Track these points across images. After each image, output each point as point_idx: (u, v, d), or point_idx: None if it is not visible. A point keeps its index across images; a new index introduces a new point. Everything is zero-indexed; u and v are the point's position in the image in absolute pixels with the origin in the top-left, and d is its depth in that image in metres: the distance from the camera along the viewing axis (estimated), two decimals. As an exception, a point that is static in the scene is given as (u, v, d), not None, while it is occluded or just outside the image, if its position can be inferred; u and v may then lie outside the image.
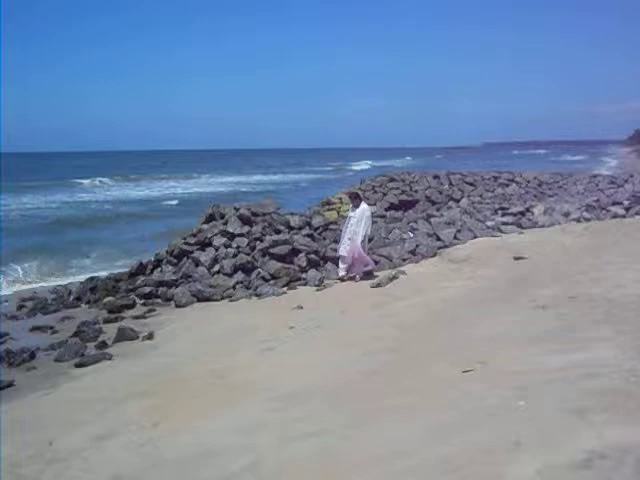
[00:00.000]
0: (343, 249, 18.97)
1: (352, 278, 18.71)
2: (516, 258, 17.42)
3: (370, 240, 20.69)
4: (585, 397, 6.66)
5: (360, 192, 20.26)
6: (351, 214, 19.16)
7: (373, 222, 23.38)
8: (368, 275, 18.70)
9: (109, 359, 13.60)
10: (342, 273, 19.01)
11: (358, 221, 18.76)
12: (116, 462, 7.87)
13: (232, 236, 20.90)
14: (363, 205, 19.18)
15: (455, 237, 22.42)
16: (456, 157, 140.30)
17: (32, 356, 14.67)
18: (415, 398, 7.87)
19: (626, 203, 28.95)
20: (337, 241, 20.91)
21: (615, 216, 26.36)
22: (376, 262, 20.14)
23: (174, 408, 9.30)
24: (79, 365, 13.50)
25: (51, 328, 17.46)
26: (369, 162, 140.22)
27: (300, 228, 21.68)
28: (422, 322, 12.06)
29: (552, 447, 5.73)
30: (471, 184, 36.63)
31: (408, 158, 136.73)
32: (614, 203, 29.19)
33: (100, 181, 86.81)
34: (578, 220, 25.44)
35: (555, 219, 25.72)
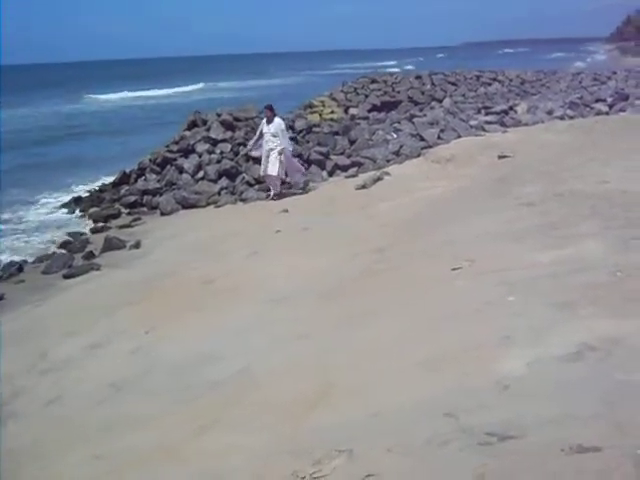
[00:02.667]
0: (265, 168, 18.37)
1: (286, 192, 18.59)
2: (500, 157, 17.38)
3: (298, 156, 20.32)
4: (573, 291, 6.70)
5: (272, 105, 19.07)
6: (265, 130, 18.45)
7: (356, 124, 23.25)
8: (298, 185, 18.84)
9: (97, 269, 13.63)
10: (274, 191, 18.42)
11: (274, 136, 18.15)
12: (111, 370, 7.93)
13: (215, 142, 20.78)
14: (277, 119, 18.55)
15: (439, 137, 22.33)
16: (434, 59, 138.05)
17: (20, 269, 14.70)
18: (404, 297, 7.92)
19: (609, 100, 28.82)
20: (320, 143, 20.82)
21: (599, 113, 26.28)
22: (360, 164, 20.10)
23: (164, 315, 9.33)
24: (68, 276, 13.55)
25: (37, 240, 17.50)
26: (348, 64, 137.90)
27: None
28: (408, 222, 12.08)
29: (542, 341, 5.78)
30: (453, 84, 36.35)
31: (392, 62, 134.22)
32: (597, 100, 29.06)
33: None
34: (562, 118, 25.35)
35: (539, 117, 25.63)
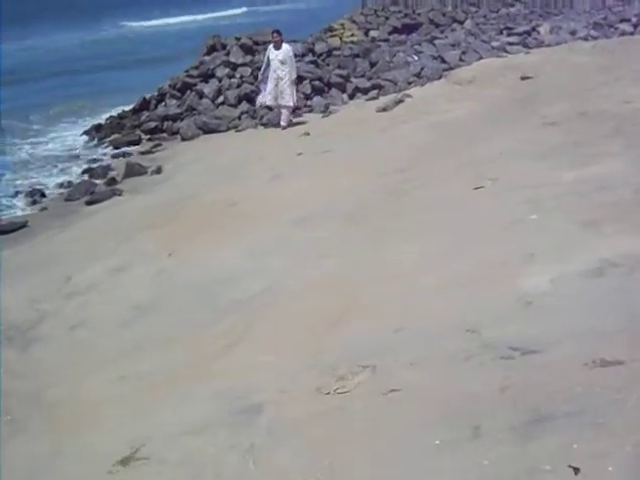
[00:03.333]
0: (271, 98, 17.50)
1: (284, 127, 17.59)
2: (523, 78, 17.14)
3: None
4: (596, 209, 6.68)
5: (280, 30, 17.90)
6: (272, 56, 17.38)
7: (377, 47, 22.95)
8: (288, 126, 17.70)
9: (119, 195, 13.67)
10: (284, 123, 17.53)
11: (282, 63, 17.19)
12: (135, 292, 7.98)
13: (235, 66, 20.56)
14: (285, 45, 17.59)
15: (460, 59, 22.05)
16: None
17: (43, 196, 14.77)
18: (428, 216, 7.90)
19: (634, 20, 28.26)
20: (341, 66, 20.56)
21: (623, 34, 25.80)
22: (381, 86, 19.87)
23: (187, 238, 9.33)
24: (90, 202, 13.59)
25: (59, 167, 17.54)
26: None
27: (303, 55, 21.26)
28: (431, 143, 11.99)
29: (565, 257, 5.77)
30: (474, 5, 35.76)
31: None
32: (622, 20, 28.50)
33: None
34: (585, 38, 24.94)
35: (562, 38, 25.23)
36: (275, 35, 17.69)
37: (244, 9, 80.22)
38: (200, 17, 72.89)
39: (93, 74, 34.70)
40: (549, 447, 3.46)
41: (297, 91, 17.90)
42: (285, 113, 17.50)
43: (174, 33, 55.88)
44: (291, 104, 17.42)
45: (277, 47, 17.43)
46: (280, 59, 17.23)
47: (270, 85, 17.38)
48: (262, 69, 17.78)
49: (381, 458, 3.80)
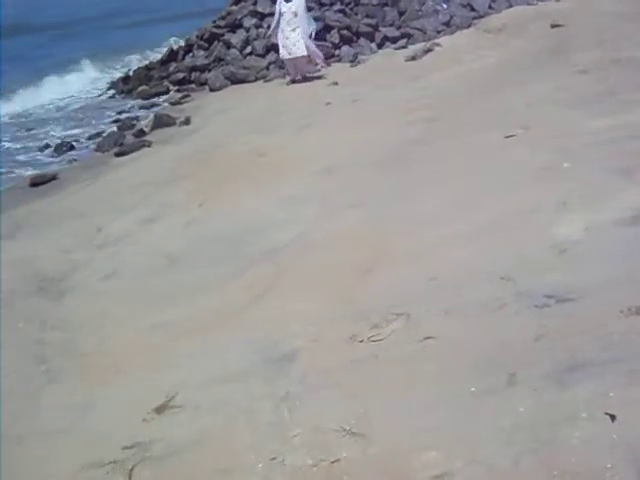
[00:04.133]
0: (285, 52, 16.63)
1: (305, 79, 16.93)
2: (553, 26, 16.88)
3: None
4: (630, 157, 6.61)
5: None
6: (283, 9, 16.46)
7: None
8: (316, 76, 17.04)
9: (148, 146, 13.65)
10: (289, 78, 17.04)
11: (295, 15, 16.30)
12: (165, 243, 8.00)
13: (262, 16, 20.33)
14: None
15: (490, 6, 21.73)
16: None
17: (72, 148, 14.82)
18: (459, 165, 7.84)
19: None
20: (369, 15, 20.32)
21: (658, -20, 25.41)
22: (410, 35, 19.67)
23: (217, 188, 9.34)
24: (119, 154, 13.59)
25: (87, 120, 17.60)
26: None
27: (331, 4, 20.95)
28: (460, 91, 11.87)
29: (599, 206, 5.74)
30: (504, -49, 35.32)
31: None
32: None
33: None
34: (618, -16, 24.57)
35: (593, -16, 24.87)
36: None
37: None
38: None
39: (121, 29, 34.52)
40: (585, 394, 3.46)
41: (315, 45, 16.98)
42: (300, 64, 16.91)
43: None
44: (303, 53, 16.61)
45: None
46: (293, 10, 16.38)
47: (281, 38, 16.61)
48: (273, 23, 16.97)
49: (416, 406, 3.82)
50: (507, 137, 8.23)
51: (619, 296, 4.23)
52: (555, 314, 4.25)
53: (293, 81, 16.88)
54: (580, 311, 4.21)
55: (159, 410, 4.53)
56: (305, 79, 16.87)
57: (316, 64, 17.20)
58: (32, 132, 16.95)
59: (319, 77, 16.87)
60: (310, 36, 16.69)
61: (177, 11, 35.34)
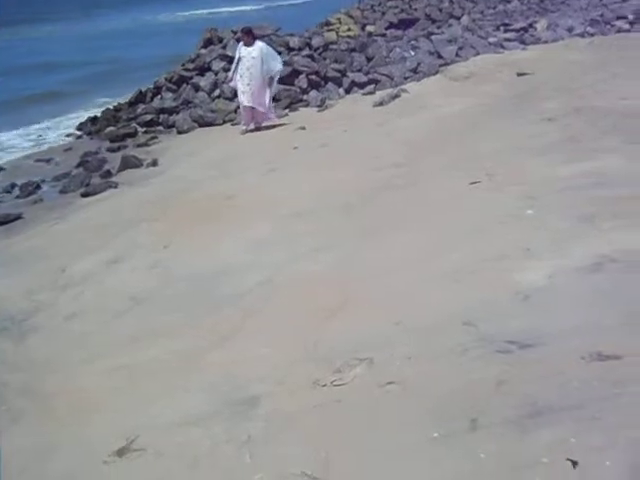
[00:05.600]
0: (247, 98, 16.21)
1: (258, 129, 16.65)
2: (519, 74, 17.12)
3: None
4: (594, 204, 6.69)
5: (248, 27, 16.96)
6: (243, 54, 16.11)
7: (374, 41, 22.92)
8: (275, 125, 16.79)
9: (115, 187, 13.63)
10: (246, 127, 16.72)
11: (257, 61, 15.92)
12: (130, 284, 7.95)
13: (231, 59, 20.44)
14: (259, 43, 16.37)
15: (457, 54, 22.04)
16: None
17: (38, 188, 14.78)
18: (424, 210, 7.89)
19: (631, 17, 28.21)
20: (337, 61, 20.51)
21: (619, 31, 25.78)
22: (377, 81, 19.85)
23: (183, 230, 9.32)
24: (85, 195, 13.57)
25: (54, 160, 17.56)
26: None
27: (300, 49, 21.22)
28: (427, 138, 11.97)
29: (562, 252, 5.79)
30: (472, 1, 35.84)
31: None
32: (618, 17, 28.49)
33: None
34: (582, 35, 24.90)
35: (559, 35, 25.21)
36: (243, 35, 16.65)
37: (262, 5, 78.31)
38: (216, 10, 71.64)
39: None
40: (546, 440, 3.48)
41: (271, 93, 16.77)
42: (258, 114, 16.63)
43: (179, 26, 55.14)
44: (266, 105, 16.47)
45: (248, 44, 16.23)
46: (253, 56, 16.04)
47: (241, 84, 16.28)
48: (232, 68, 16.64)
49: (378, 451, 3.81)
50: (472, 183, 8.30)
51: (581, 342, 4.27)
52: (517, 360, 4.27)
53: (247, 131, 16.67)
54: (542, 357, 4.24)
55: (120, 453, 4.49)
56: (258, 129, 16.68)
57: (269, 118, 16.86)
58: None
59: (279, 125, 16.86)
60: (271, 82, 16.52)
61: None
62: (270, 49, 16.66)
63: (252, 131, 16.59)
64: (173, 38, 41.75)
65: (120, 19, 65.08)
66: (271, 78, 16.38)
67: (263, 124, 16.73)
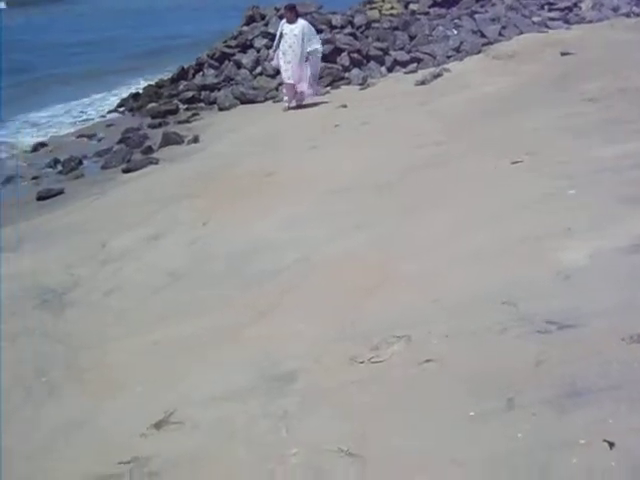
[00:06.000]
0: (288, 75, 16.17)
1: (300, 106, 16.59)
2: (563, 54, 16.94)
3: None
4: (635, 186, 6.63)
5: (292, 3, 16.74)
6: (286, 31, 16.08)
7: (416, 20, 22.76)
8: (317, 102, 16.72)
9: (156, 163, 13.68)
10: (288, 104, 16.60)
11: (299, 39, 15.84)
12: (169, 260, 7.97)
13: (273, 37, 20.43)
14: (301, 21, 16.24)
15: (500, 33, 21.84)
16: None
17: (80, 163, 14.89)
18: (464, 188, 7.84)
19: (679, -3, 27.94)
20: (380, 39, 20.41)
21: (667, 10, 25.51)
22: (419, 60, 19.73)
23: (223, 207, 9.33)
24: (126, 170, 13.65)
25: (96, 136, 17.64)
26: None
27: (342, 27, 21.10)
28: (468, 116, 11.90)
29: (603, 233, 5.74)
30: (516, -21, 35.49)
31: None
32: (666, -4, 28.20)
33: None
34: (628, 15, 24.55)
35: (604, 14, 24.86)
36: (286, 12, 16.55)
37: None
38: None
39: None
40: (584, 421, 3.45)
41: (311, 71, 16.47)
42: (300, 91, 16.53)
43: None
44: (304, 85, 16.33)
45: (291, 22, 16.14)
46: (295, 34, 15.95)
47: (284, 62, 16.20)
48: (274, 45, 16.69)
49: (415, 428, 3.81)
50: (513, 163, 8.24)
51: (621, 324, 4.23)
52: (556, 340, 4.25)
53: (289, 108, 16.60)
54: (581, 338, 4.21)
55: (158, 426, 4.52)
56: (300, 106, 16.62)
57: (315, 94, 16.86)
58: (41, 147, 16.96)
59: (321, 103, 16.79)
60: (313, 60, 16.38)
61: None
62: (312, 28, 16.55)
63: (294, 108, 16.52)
64: (216, 15, 41.63)
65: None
66: (310, 55, 16.21)
67: (304, 102, 16.66)
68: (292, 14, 16.27)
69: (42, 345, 6.33)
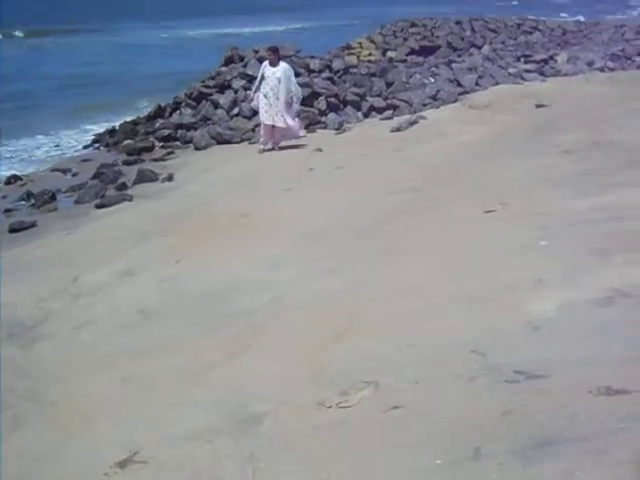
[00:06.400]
0: (267, 117, 16.16)
1: (275, 148, 16.56)
2: (538, 105, 17.16)
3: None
4: (608, 238, 6.67)
5: (275, 46, 17.17)
6: (267, 74, 16.08)
7: (394, 67, 22.96)
8: (292, 145, 16.74)
9: (130, 200, 13.64)
10: (264, 146, 16.59)
11: (279, 82, 15.93)
12: (140, 297, 7.96)
13: (251, 79, 20.46)
14: (283, 64, 16.33)
15: (476, 83, 22.11)
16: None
17: (53, 197, 14.80)
18: (438, 236, 7.89)
19: (652, 53, 28.38)
20: (357, 85, 20.55)
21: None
22: (396, 106, 19.89)
23: (196, 245, 9.34)
24: (100, 206, 13.58)
25: (70, 170, 17.57)
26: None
27: (320, 71, 21.26)
28: (443, 165, 11.99)
29: (574, 285, 5.77)
30: (493, 31, 35.92)
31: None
32: (639, 53, 28.63)
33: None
34: (602, 69, 24.97)
35: (579, 68, 25.26)
36: (270, 53, 16.65)
37: (284, 27, 77.57)
38: (240, 30, 71.21)
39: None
40: (551, 472, 3.45)
41: (293, 112, 16.65)
42: (277, 134, 16.60)
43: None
44: (283, 125, 16.30)
45: (273, 64, 16.21)
46: (277, 77, 16.03)
47: (264, 104, 16.19)
48: (254, 87, 16.77)
49: (381, 475, 3.79)
50: (487, 212, 8.30)
51: (589, 375, 4.25)
52: (524, 390, 4.25)
53: (265, 150, 16.53)
54: (549, 388, 4.22)
55: (122, 465, 4.49)
56: (275, 149, 16.62)
57: (297, 137, 16.87)
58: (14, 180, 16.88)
59: (297, 146, 16.73)
60: (292, 103, 16.39)
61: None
62: (292, 71, 16.68)
63: (269, 150, 16.55)
64: (198, 54, 41.94)
65: (149, 33, 65.72)
66: (291, 98, 16.30)
67: (281, 144, 16.73)
68: (275, 57, 16.40)
69: (9, 379, 6.28)
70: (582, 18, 51.56)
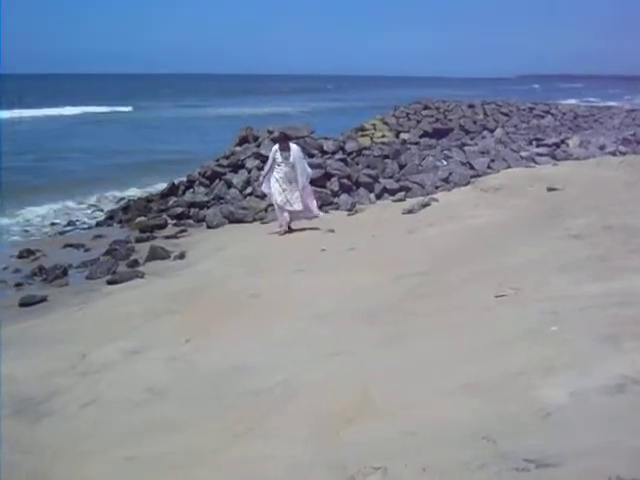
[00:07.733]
0: (283, 199, 16.24)
1: (289, 228, 16.59)
2: (550, 189, 17.27)
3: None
4: (618, 324, 6.63)
5: (284, 132, 17.91)
6: (280, 159, 16.29)
7: (407, 149, 23.14)
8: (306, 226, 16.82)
9: (141, 277, 13.68)
10: (280, 228, 16.49)
11: (292, 167, 16.20)
12: (148, 376, 7.92)
13: (265, 159, 20.76)
14: (293, 146, 16.59)
15: (489, 166, 22.31)
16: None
17: (64, 273, 14.84)
18: (447, 321, 7.88)
19: (663, 138, 28.55)
20: (370, 166, 20.70)
21: (651, 150, 26.05)
22: (408, 188, 20.01)
23: (206, 325, 9.34)
24: (111, 282, 13.62)
25: (83, 246, 17.62)
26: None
27: (333, 153, 21.50)
28: (454, 248, 12.02)
29: (585, 372, 5.72)
30: (506, 114, 36.36)
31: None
32: (651, 137, 28.81)
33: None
34: (614, 154, 25.15)
35: (590, 152, 25.45)
36: (281, 142, 16.73)
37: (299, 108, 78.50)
38: (258, 109, 72.49)
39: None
40: None
41: (310, 192, 16.86)
42: (295, 215, 16.68)
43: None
44: (301, 209, 16.44)
45: (283, 149, 16.38)
46: (290, 161, 16.22)
47: (279, 187, 16.31)
48: (265, 170, 16.87)
49: None
50: (497, 296, 8.28)
51: (600, 465, 4.19)
52: (534, 479, 4.20)
53: (284, 232, 16.43)
54: (560, 477, 4.16)
55: None
56: (291, 230, 16.59)
57: (314, 217, 16.94)
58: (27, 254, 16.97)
59: (310, 227, 16.79)
60: (304, 184, 16.50)
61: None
62: (302, 153, 16.96)
63: (286, 233, 16.51)
64: (214, 133, 42.69)
65: (169, 110, 67.70)
66: (306, 177, 16.53)
67: (294, 224, 16.76)
68: (285, 143, 16.57)
69: (12, 455, 6.23)
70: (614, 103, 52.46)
